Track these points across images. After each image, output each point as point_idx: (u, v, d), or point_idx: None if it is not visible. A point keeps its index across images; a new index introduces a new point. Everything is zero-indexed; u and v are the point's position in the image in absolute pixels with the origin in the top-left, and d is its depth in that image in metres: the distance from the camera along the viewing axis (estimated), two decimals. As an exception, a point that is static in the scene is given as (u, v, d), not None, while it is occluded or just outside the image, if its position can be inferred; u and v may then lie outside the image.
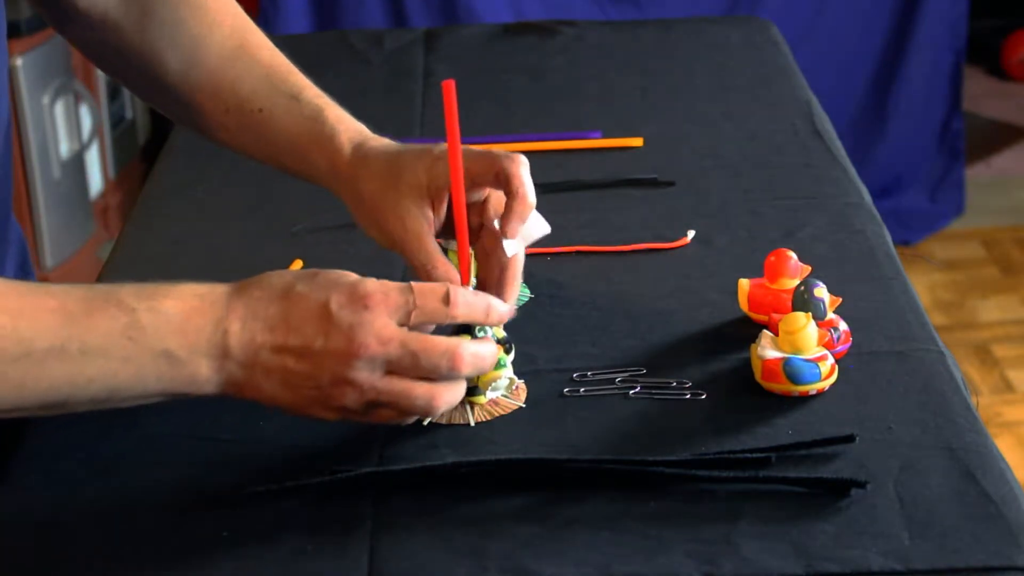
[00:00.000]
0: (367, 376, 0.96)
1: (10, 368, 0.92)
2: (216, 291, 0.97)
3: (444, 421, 1.06)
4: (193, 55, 1.21)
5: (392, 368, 0.96)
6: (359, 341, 0.95)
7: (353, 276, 0.98)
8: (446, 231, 1.12)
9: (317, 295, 0.96)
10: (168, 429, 1.07)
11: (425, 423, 1.06)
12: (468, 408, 1.06)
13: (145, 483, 1.01)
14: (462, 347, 0.97)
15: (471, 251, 1.18)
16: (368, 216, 1.13)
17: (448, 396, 0.98)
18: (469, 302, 1.00)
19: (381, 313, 0.96)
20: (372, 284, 0.97)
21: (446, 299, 0.98)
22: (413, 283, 0.98)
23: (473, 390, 1.06)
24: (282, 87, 1.19)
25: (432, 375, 0.97)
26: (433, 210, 1.10)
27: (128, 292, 0.95)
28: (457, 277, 1.06)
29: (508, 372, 1.06)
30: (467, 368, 0.98)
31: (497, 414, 1.07)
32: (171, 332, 0.95)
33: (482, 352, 0.99)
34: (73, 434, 1.07)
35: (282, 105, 1.18)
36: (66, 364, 0.93)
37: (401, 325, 0.97)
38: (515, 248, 1.08)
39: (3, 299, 0.92)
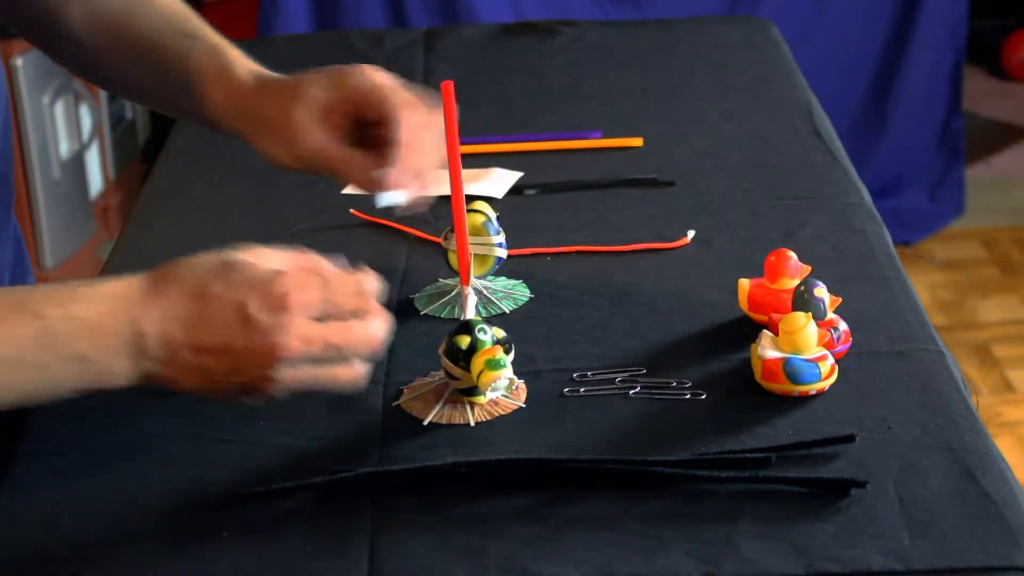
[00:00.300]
0: (291, 372, 0.97)
1: None
2: (130, 289, 0.97)
3: (444, 421, 1.06)
4: (96, 5, 1.24)
5: (315, 360, 0.98)
6: (281, 343, 0.95)
7: (269, 269, 0.97)
8: (359, 141, 1.14)
9: (233, 295, 0.96)
10: (168, 429, 1.07)
11: (425, 423, 1.06)
12: (468, 408, 1.06)
13: (145, 483, 1.01)
14: (376, 329, 0.99)
15: (471, 251, 1.18)
16: (273, 133, 1.15)
17: (364, 368, 1.00)
18: (381, 310, 1.01)
19: (300, 312, 0.96)
20: (288, 281, 0.96)
21: (360, 292, 0.99)
22: (329, 275, 0.99)
23: (473, 390, 1.06)
24: (180, 28, 1.22)
25: (354, 356, 0.99)
26: (337, 125, 1.14)
27: (40, 298, 0.96)
28: (376, 167, 1.10)
29: (508, 372, 1.05)
30: (381, 346, 1.00)
31: (497, 414, 1.06)
32: (84, 337, 0.95)
33: (383, 328, 1.00)
34: (73, 433, 1.07)
35: (179, 43, 1.21)
36: None
37: (319, 319, 0.97)
38: (387, 201, 1.12)
39: None
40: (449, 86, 1.09)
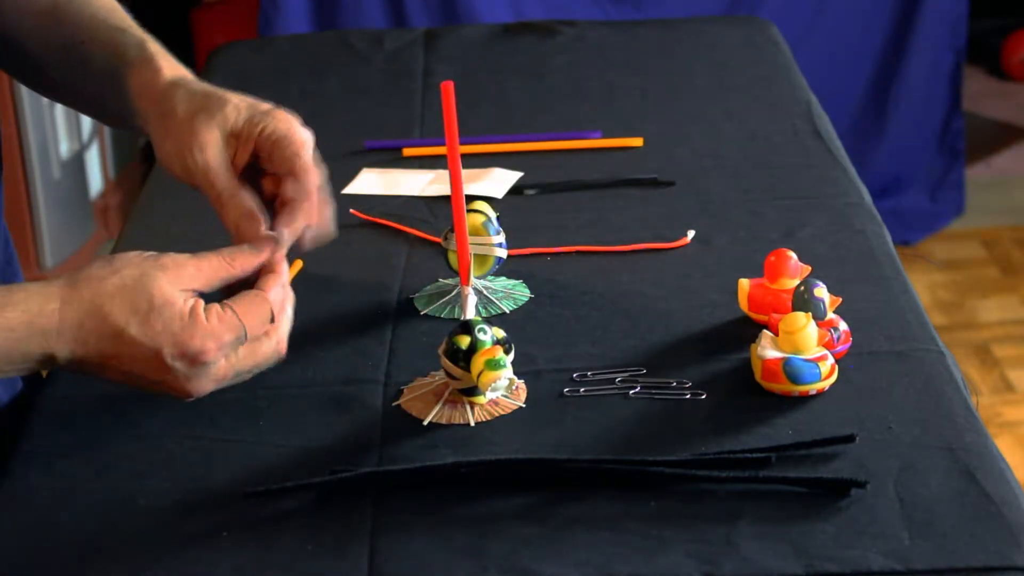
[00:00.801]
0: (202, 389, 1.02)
1: None
2: (45, 316, 0.98)
3: (444, 421, 1.06)
4: (23, 2, 1.23)
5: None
6: (196, 387, 1.00)
7: (187, 312, 0.99)
8: (243, 177, 1.12)
9: (152, 343, 0.99)
10: (168, 429, 1.07)
11: (425, 423, 1.06)
12: (468, 408, 1.06)
13: (145, 483, 1.01)
14: (282, 339, 1.03)
15: (471, 251, 1.18)
16: (172, 133, 1.12)
17: None
18: (288, 314, 1.05)
19: (215, 360, 1.00)
20: (205, 332, 0.99)
21: (271, 318, 1.03)
22: (236, 306, 1.01)
23: (473, 390, 1.06)
24: (108, 21, 1.21)
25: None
26: (238, 154, 1.11)
27: None
28: (252, 211, 1.08)
29: (508, 372, 1.05)
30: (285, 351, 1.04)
31: (497, 414, 1.06)
32: None
33: (286, 334, 1.04)
34: (73, 434, 1.07)
35: (104, 36, 1.19)
36: None
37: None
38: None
39: None
40: (449, 86, 1.09)
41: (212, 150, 1.10)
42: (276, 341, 1.03)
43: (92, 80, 1.21)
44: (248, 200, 1.09)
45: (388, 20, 2.99)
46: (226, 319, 1.00)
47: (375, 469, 1.00)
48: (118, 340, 0.99)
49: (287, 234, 1.08)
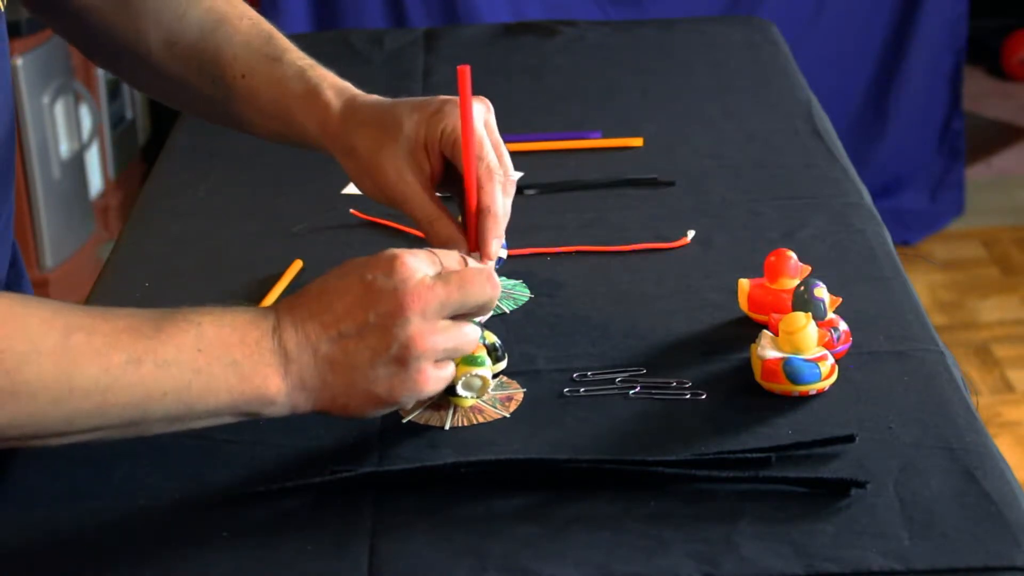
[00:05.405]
0: (427, 326, 0.97)
1: (92, 385, 0.93)
2: (268, 305, 1.00)
3: (422, 422, 1.05)
4: (174, 31, 1.22)
5: (444, 313, 0.98)
6: (409, 295, 0.96)
7: (374, 255, 0.99)
8: (445, 184, 1.13)
9: (350, 278, 0.98)
10: (168, 429, 1.07)
11: (404, 421, 1.05)
12: (451, 412, 1.06)
13: (145, 483, 1.01)
14: (493, 276, 1.00)
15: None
16: (363, 171, 1.13)
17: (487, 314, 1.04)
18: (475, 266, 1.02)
19: (416, 270, 0.97)
20: (396, 250, 0.99)
21: (463, 260, 1.02)
22: (434, 250, 1.01)
23: (455, 389, 1.05)
24: (263, 51, 1.20)
25: (479, 302, 0.99)
26: (431, 164, 1.11)
27: (190, 309, 0.97)
28: (459, 232, 1.09)
29: (484, 372, 1.04)
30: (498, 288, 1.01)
31: (476, 421, 1.06)
32: (235, 343, 0.96)
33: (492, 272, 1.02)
34: (73, 434, 1.07)
35: (263, 69, 1.19)
36: (142, 378, 0.94)
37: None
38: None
39: (73, 317, 0.93)
40: (466, 71, 1.05)
41: (403, 181, 1.11)
42: (481, 271, 1.00)
43: (262, 114, 1.20)
44: (447, 227, 1.10)
45: (388, 20, 2.99)
46: (416, 250, 0.99)
47: (375, 469, 1.00)
48: (323, 293, 0.98)
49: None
